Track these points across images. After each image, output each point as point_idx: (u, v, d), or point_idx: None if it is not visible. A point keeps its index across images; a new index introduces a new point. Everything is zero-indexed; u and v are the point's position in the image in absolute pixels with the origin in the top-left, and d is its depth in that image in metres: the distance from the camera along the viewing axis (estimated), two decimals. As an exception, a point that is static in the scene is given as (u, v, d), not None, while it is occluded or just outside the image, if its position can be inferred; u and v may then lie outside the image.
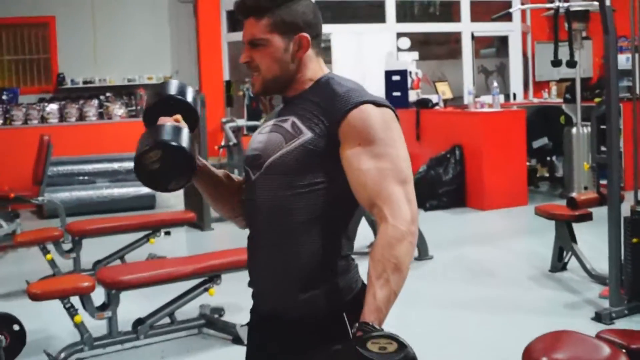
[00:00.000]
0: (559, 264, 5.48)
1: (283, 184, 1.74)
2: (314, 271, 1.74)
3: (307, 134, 1.73)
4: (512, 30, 11.20)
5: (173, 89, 1.93)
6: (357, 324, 1.52)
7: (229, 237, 7.23)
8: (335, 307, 1.74)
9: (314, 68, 1.85)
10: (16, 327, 4.03)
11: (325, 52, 10.15)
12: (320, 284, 1.75)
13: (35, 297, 3.84)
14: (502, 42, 11.80)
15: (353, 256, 1.83)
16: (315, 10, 1.85)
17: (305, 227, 1.74)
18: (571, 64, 7.39)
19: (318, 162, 1.72)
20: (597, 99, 7.88)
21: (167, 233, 5.98)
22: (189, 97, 1.92)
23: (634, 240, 4.47)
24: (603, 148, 6.45)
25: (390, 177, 1.66)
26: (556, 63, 7.45)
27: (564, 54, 7.42)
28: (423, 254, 6.02)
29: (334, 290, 1.76)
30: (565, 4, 7.55)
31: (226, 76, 11.15)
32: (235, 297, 4.48)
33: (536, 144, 8.95)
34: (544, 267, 5.56)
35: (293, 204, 1.74)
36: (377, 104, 1.73)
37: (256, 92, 1.86)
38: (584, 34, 7.99)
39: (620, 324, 4.32)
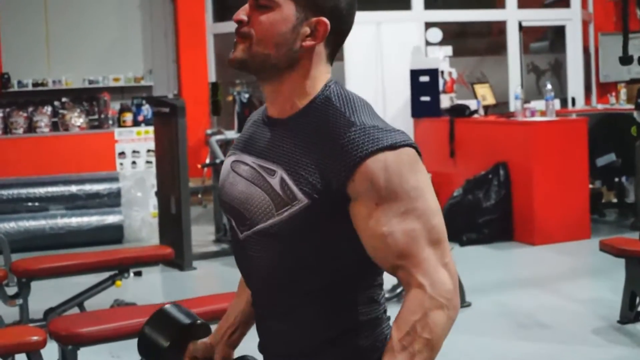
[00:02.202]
0: (630, 314, 5.46)
1: (281, 252, 1.76)
2: (330, 337, 1.77)
3: (303, 201, 1.68)
4: (570, 18, 11.25)
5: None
6: None
7: (214, 278, 7.23)
8: None
9: (317, 76, 1.79)
10: (-53, 392, 4.03)
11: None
12: (339, 348, 1.77)
13: (-29, 355, 3.85)
14: (557, 34, 11.84)
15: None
16: (353, 2, 1.80)
17: (314, 296, 1.76)
18: (644, 61, 7.40)
19: (323, 226, 1.71)
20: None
21: (138, 274, 5.99)
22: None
23: None
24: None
25: (421, 240, 1.65)
26: (626, 60, 7.44)
27: (635, 48, 7.44)
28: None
29: (356, 351, 1.78)
30: (637, -14, 7.60)
31: (212, 77, 11.22)
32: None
33: (601, 161, 8.95)
34: (611, 318, 5.54)
35: (295, 273, 1.76)
36: (395, 146, 1.67)
37: (233, 59, 1.78)
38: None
39: None
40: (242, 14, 1.77)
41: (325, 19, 1.74)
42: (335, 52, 1.83)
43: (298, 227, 1.70)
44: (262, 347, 1.91)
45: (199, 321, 1.99)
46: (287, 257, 1.75)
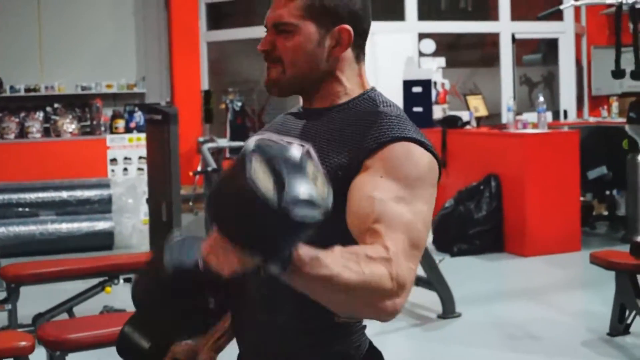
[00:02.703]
0: (620, 326, 5.46)
1: None
2: (305, 343, 1.78)
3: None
4: (563, 31, 11.30)
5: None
6: None
7: (204, 286, 7.20)
8: None
9: (353, 77, 1.83)
10: None
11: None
12: (313, 355, 1.78)
13: (-41, 359, 3.84)
14: (550, 47, 11.88)
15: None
16: (367, 8, 1.83)
17: (289, 302, 1.72)
18: (637, 74, 7.42)
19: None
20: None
21: (128, 280, 5.96)
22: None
23: None
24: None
25: (403, 228, 1.58)
26: (618, 74, 7.48)
27: (627, 62, 7.46)
28: (449, 310, 6.01)
29: (329, 357, 1.78)
30: (630, 0, 7.62)
31: (205, 85, 11.24)
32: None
33: (592, 174, 8.98)
34: (601, 330, 5.55)
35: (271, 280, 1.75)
36: (426, 146, 1.70)
37: (269, 83, 1.81)
38: (653, 37, 8.04)
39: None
40: (265, 44, 1.80)
41: (346, 26, 1.78)
42: (363, 50, 1.86)
43: None
44: (240, 356, 1.91)
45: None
46: None
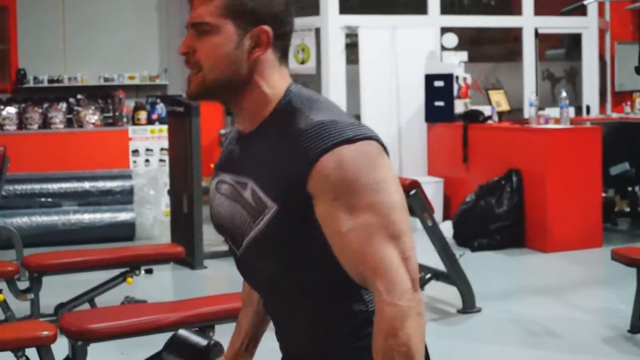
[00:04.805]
0: (640, 323, 5.45)
1: (272, 262, 1.79)
2: (336, 336, 1.81)
3: (272, 207, 1.70)
4: (587, 27, 11.23)
5: None
6: None
7: (225, 277, 7.24)
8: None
9: (275, 81, 1.80)
10: (-43, 385, 4.05)
11: (351, 50, 10.27)
12: (346, 348, 1.81)
13: (-19, 348, 3.86)
14: (573, 42, 11.82)
15: None
16: (289, 2, 1.81)
17: (316, 298, 1.79)
18: (660, 70, 7.38)
19: (301, 230, 1.72)
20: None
21: (149, 271, 6.00)
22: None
23: None
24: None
25: (377, 236, 1.63)
26: (642, 69, 7.45)
27: (651, 58, 7.42)
28: (469, 305, 6.01)
29: (364, 349, 1.80)
30: (655, -4, 7.58)
31: (227, 77, 11.24)
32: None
33: (615, 170, 8.93)
34: (622, 327, 5.53)
35: (292, 279, 1.79)
36: (353, 139, 1.67)
37: (191, 95, 1.80)
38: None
39: None
40: (184, 46, 1.79)
41: (265, 27, 1.75)
42: (286, 55, 1.83)
43: (277, 234, 1.72)
44: (281, 349, 1.95)
45: (212, 341, 2.07)
46: (280, 265, 1.77)
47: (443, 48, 10.24)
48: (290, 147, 1.69)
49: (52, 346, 3.99)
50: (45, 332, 3.94)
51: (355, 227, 1.63)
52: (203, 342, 2.06)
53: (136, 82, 11.03)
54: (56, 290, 5.86)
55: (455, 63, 9.81)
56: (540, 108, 9.16)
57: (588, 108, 11.16)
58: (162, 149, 9.98)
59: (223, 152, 1.95)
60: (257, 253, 1.78)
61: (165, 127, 9.09)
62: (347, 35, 10.17)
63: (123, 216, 8.76)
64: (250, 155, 1.80)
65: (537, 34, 10.30)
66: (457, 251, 6.36)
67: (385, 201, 1.64)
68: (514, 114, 10.23)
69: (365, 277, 1.64)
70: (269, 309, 1.93)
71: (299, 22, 10.44)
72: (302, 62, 10.31)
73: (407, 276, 1.62)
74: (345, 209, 1.64)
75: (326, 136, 1.66)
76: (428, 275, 6.24)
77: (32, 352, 3.99)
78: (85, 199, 9.02)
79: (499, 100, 9.70)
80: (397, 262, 1.62)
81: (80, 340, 4.03)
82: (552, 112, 8.98)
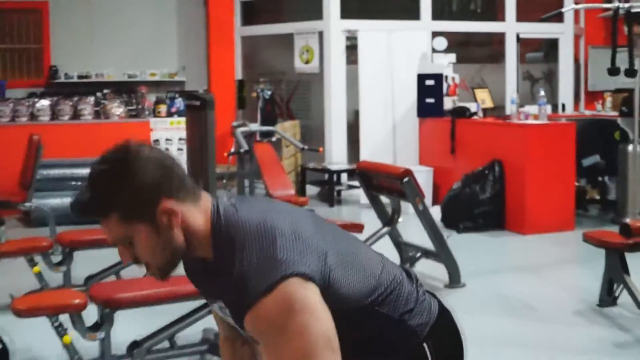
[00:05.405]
0: (608, 298, 5.47)
1: None
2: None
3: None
4: (563, 32, 11.22)
5: None
6: None
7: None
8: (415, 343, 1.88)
9: (198, 221, 1.75)
10: (-2, 346, 4.09)
11: (351, 51, 10.26)
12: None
13: (20, 314, 3.87)
14: (551, 46, 11.81)
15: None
16: (159, 163, 1.73)
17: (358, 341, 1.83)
18: (630, 72, 7.38)
19: None
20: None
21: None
22: None
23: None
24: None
25: None
26: (613, 71, 7.45)
27: (622, 61, 7.42)
28: (454, 281, 6.04)
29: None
30: (626, 5, 7.56)
31: (238, 75, 11.25)
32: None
33: (587, 162, 8.95)
34: (591, 301, 5.56)
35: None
36: (271, 287, 1.62)
37: (162, 280, 1.82)
38: (645, 39, 7.99)
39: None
40: (127, 257, 1.79)
41: (161, 203, 1.70)
42: (192, 191, 1.77)
43: None
44: None
45: None
46: None
47: (434, 50, 10.25)
48: (235, 288, 1.69)
49: (83, 313, 4.02)
50: (77, 300, 3.98)
51: None
52: None
53: (157, 78, 11.03)
54: (86, 263, 5.89)
55: (445, 64, 9.81)
56: (521, 105, 9.17)
57: (564, 106, 11.17)
58: (180, 139, 10.01)
59: (200, 282, 1.95)
60: None
61: (183, 119, 9.11)
62: (348, 38, 10.18)
63: (145, 198, 8.77)
64: (217, 284, 1.79)
65: (518, 39, 10.33)
66: (445, 232, 6.38)
67: (306, 346, 1.60)
68: (497, 110, 10.24)
69: None
70: None
71: (304, 25, 10.46)
72: (307, 62, 10.33)
73: None
74: (272, 357, 1.65)
75: (250, 288, 1.64)
76: (419, 254, 6.29)
77: (65, 318, 4.02)
78: (111, 183, 8.99)
79: (484, 98, 9.72)
80: None
81: (108, 307, 4.07)
82: (532, 109, 8.98)
